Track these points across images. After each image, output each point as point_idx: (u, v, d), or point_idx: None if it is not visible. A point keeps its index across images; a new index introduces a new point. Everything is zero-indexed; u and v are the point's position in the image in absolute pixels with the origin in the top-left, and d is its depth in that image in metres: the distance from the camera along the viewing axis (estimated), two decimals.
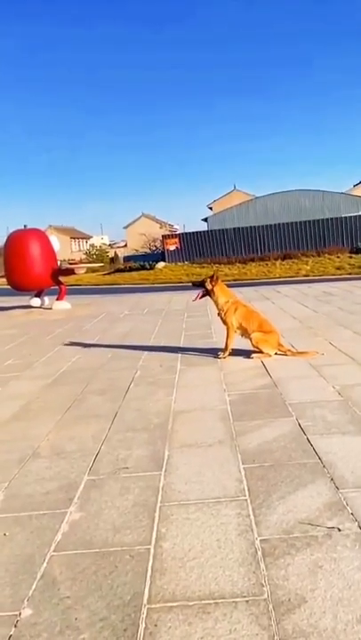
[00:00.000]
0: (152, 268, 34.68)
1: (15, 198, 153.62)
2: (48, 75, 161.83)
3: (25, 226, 12.13)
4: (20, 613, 1.76)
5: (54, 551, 2.11)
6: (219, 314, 5.48)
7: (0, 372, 5.53)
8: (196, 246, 36.42)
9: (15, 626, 1.71)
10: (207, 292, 5.48)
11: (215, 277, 5.50)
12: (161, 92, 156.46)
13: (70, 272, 12.74)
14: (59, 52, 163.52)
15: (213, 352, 5.56)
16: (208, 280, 5.49)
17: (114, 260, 46.43)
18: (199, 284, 5.57)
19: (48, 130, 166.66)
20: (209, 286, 5.44)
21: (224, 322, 5.40)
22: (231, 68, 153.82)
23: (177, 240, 37.82)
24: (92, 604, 1.79)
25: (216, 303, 5.46)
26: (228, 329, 5.37)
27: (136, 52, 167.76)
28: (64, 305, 11.78)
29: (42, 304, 12.30)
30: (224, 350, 5.35)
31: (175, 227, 73.17)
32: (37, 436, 3.47)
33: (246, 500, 2.40)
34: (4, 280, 13.03)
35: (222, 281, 5.57)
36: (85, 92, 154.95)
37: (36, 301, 12.33)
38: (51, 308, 11.79)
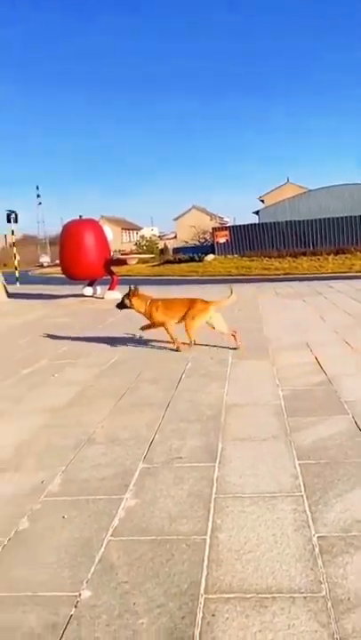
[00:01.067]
0: (201, 260, 34.68)
1: (68, 188, 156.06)
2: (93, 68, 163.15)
3: (80, 216, 12.31)
4: (79, 594, 1.80)
5: (111, 536, 2.15)
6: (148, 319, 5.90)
7: (56, 359, 5.65)
8: (247, 239, 36.17)
9: (75, 606, 1.75)
10: (128, 307, 5.94)
11: (130, 293, 5.92)
12: (216, 82, 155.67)
13: (122, 262, 12.88)
14: (106, 40, 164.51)
15: (265, 346, 5.52)
16: (125, 298, 5.96)
17: (163, 251, 46.64)
18: (122, 305, 6.04)
19: (100, 119, 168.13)
20: (128, 303, 5.92)
21: (154, 324, 5.82)
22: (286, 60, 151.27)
23: (227, 232, 37.67)
24: (149, 590, 1.81)
25: (140, 312, 5.91)
26: (163, 326, 5.76)
27: (205, 38, 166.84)
28: (115, 295, 11.89)
29: (94, 293, 12.47)
30: (189, 342, 5.68)
31: (225, 219, 72.86)
32: (92, 423, 3.53)
33: (302, 496, 2.38)
34: (59, 269, 13.27)
35: (157, 301, 5.90)
36: (131, 85, 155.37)
37: (88, 290, 12.51)
38: (102, 298, 11.94)
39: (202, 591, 1.79)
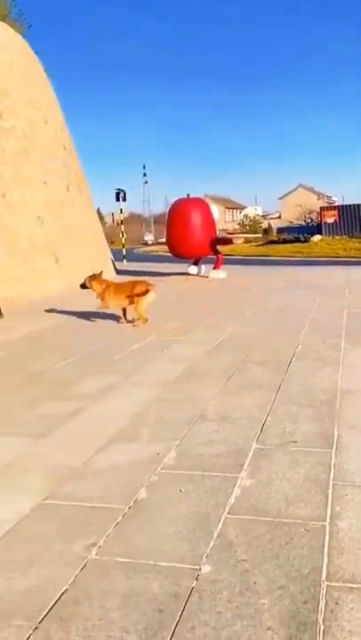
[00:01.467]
0: (306, 240, 33.80)
1: (173, 167, 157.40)
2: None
3: (188, 195, 12.37)
4: (199, 568, 1.83)
5: (228, 514, 2.16)
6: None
7: (164, 335, 5.74)
8: (358, 220, 34.81)
9: (196, 579, 1.77)
10: (88, 287, 6.87)
11: (92, 277, 6.90)
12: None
13: (228, 242, 12.84)
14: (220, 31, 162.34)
15: None
16: (87, 280, 6.92)
17: (267, 230, 45.95)
18: (83, 286, 6.99)
19: (208, 100, 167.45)
20: (89, 285, 6.87)
21: (106, 303, 6.74)
22: None
23: (336, 212, 36.47)
24: (269, 570, 1.80)
25: (96, 292, 6.81)
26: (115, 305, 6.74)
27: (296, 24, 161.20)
28: (220, 274, 11.91)
29: (198, 272, 12.54)
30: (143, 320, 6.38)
31: (333, 198, 70.45)
32: (203, 399, 3.56)
33: None
34: (163, 247, 13.46)
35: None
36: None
37: (193, 269, 12.60)
38: (207, 277, 11.98)
39: (323, 578, 1.75)
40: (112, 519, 2.15)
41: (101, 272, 7.14)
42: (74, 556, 1.92)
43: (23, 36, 12.01)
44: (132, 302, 6.52)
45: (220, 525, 2.08)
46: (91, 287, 6.87)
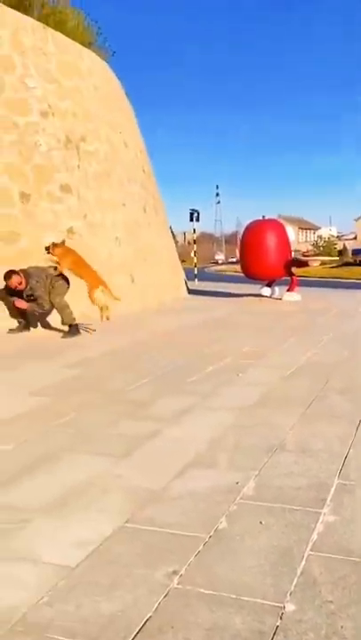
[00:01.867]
0: None
1: (246, 187, 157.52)
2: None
3: (263, 216, 12.36)
4: (284, 607, 1.79)
5: (311, 550, 2.11)
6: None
7: (239, 358, 5.72)
8: None
9: (280, 618, 1.74)
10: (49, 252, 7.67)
11: (57, 243, 7.76)
12: None
13: (304, 264, 12.70)
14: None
15: None
16: (51, 245, 7.69)
17: (342, 252, 45.11)
18: (47, 249, 7.71)
19: (283, 124, 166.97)
20: (51, 249, 7.66)
21: (61, 266, 7.66)
22: None
23: None
24: (356, 615, 1.74)
25: (54, 256, 7.68)
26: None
27: None
28: (294, 296, 11.78)
29: (272, 294, 12.45)
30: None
31: None
32: (281, 427, 3.51)
33: None
34: (233, 266, 13.47)
35: None
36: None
37: (266, 291, 12.52)
38: (281, 299, 11.87)
39: None
40: (193, 547, 2.15)
41: (64, 240, 8.00)
42: (156, 582, 1.93)
43: (107, 62, 12.46)
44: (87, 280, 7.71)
45: (304, 562, 2.04)
46: (52, 253, 7.64)
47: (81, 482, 2.77)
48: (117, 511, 2.46)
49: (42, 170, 9.29)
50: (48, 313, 8.05)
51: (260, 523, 2.33)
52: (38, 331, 8.03)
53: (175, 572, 1.99)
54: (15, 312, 7.76)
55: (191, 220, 21.85)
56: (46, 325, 8.29)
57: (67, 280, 7.77)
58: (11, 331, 7.78)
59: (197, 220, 21.82)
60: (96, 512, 2.46)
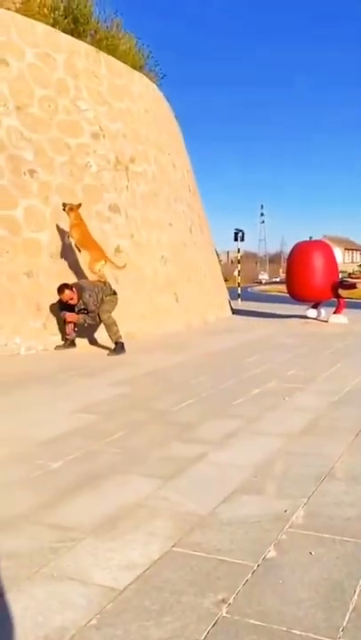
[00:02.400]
0: None
1: (291, 207, 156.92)
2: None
3: (310, 237, 12.29)
4: None
5: None
6: None
7: (285, 382, 5.66)
8: None
9: None
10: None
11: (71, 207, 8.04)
12: None
13: (352, 287, 12.51)
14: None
15: None
16: (67, 208, 8.02)
17: None
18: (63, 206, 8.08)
19: (328, 142, 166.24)
20: (68, 212, 8.00)
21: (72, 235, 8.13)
22: None
23: None
24: None
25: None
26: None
27: None
28: (341, 319, 11.61)
29: (318, 316, 12.30)
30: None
31: None
32: (330, 455, 3.45)
33: None
34: (277, 286, 13.39)
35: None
36: None
37: (312, 312, 12.39)
38: (327, 321, 11.72)
39: None
40: (241, 576, 2.13)
41: (80, 204, 8.17)
42: (205, 610, 1.91)
43: (157, 85, 12.70)
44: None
45: (356, 597, 1.99)
46: (67, 213, 7.98)
47: (128, 503, 2.78)
48: (165, 534, 2.45)
49: (92, 190, 9.49)
50: (97, 326, 8.20)
51: (310, 553, 2.29)
52: (84, 347, 8.15)
53: (224, 601, 1.97)
54: (67, 326, 7.91)
55: (236, 239, 21.87)
56: (92, 342, 8.41)
57: (115, 294, 7.91)
58: (57, 347, 7.91)
59: (242, 239, 21.85)
60: (144, 535, 2.46)
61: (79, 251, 8.21)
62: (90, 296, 7.55)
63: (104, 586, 2.06)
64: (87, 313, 7.64)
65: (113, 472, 3.21)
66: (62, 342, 8.00)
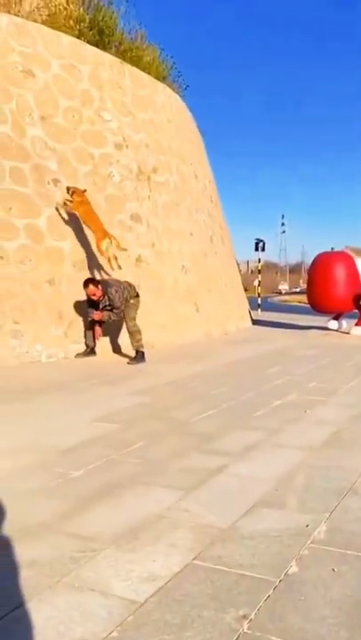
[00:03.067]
0: None
1: (312, 217, 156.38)
2: None
3: (332, 248, 12.22)
4: None
5: None
6: None
7: (306, 394, 5.62)
8: None
9: None
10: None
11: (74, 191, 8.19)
12: None
13: None
14: None
15: None
16: (70, 190, 8.20)
17: None
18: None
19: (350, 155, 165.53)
20: (70, 194, 8.23)
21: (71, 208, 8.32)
22: None
23: None
24: None
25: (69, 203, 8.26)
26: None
27: None
28: None
29: (339, 327, 12.22)
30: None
31: None
32: (352, 470, 3.41)
33: None
34: (297, 297, 13.32)
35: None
36: None
37: (333, 324, 12.30)
38: (348, 333, 11.63)
39: None
40: (263, 591, 2.11)
41: (85, 190, 8.36)
42: (226, 625, 1.90)
43: (180, 96, 12.77)
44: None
45: None
46: (71, 197, 8.14)
47: (149, 514, 2.77)
48: (186, 547, 2.44)
49: (114, 199, 9.56)
50: (117, 333, 8.28)
51: (333, 570, 2.26)
52: (104, 356, 8.18)
53: (245, 617, 1.95)
54: (92, 331, 8.00)
55: (256, 249, 21.84)
56: (113, 350, 8.44)
57: (138, 296, 8.00)
58: (78, 355, 7.96)
59: (263, 249, 21.80)
60: (165, 546, 2.45)
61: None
62: (116, 292, 7.61)
63: (125, 598, 2.06)
64: (112, 310, 7.69)
65: (133, 482, 3.21)
66: (83, 350, 8.04)
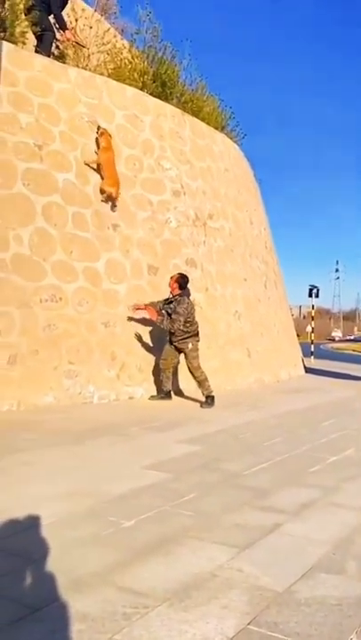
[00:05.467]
0: None
1: None
2: None
3: None
4: None
5: None
6: None
7: None
8: None
9: None
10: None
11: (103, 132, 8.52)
12: None
13: None
14: None
15: None
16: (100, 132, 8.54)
17: None
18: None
19: None
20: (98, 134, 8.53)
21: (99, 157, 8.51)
22: None
23: None
24: None
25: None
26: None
27: None
28: None
29: None
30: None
31: None
32: None
33: None
34: (351, 344, 13.03)
35: None
36: None
37: None
38: None
39: None
40: None
41: (111, 136, 8.69)
42: None
43: (238, 145, 13.02)
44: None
45: None
46: (99, 136, 8.48)
47: (202, 571, 2.71)
48: (240, 609, 2.37)
49: (170, 244, 9.72)
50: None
51: None
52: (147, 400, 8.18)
53: None
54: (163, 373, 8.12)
55: (310, 295, 21.64)
56: (175, 393, 8.46)
57: (198, 334, 8.04)
58: (152, 397, 8.05)
59: (317, 296, 21.60)
60: (218, 608, 2.38)
61: (99, 174, 8.56)
62: (187, 305, 7.78)
63: None
64: (170, 316, 7.79)
65: (186, 536, 3.15)
66: (158, 394, 8.22)
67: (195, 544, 3.06)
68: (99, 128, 8.63)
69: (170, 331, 7.80)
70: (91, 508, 3.56)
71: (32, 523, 3.25)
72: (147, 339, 8.64)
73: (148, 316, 8.07)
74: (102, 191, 8.51)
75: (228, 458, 5.01)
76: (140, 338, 8.57)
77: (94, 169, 8.52)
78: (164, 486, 4.09)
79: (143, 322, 8.50)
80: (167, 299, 8.03)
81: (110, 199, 8.60)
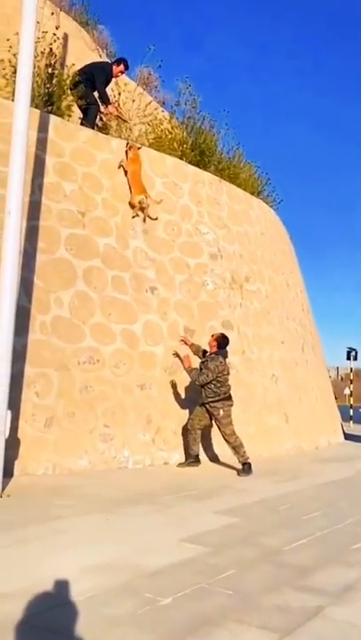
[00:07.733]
0: None
1: None
2: None
3: None
4: None
5: None
6: None
7: None
8: None
9: None
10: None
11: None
12: None
13: None
14: None
15: None
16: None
17: None
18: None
19: None
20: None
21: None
22: None
23: None
24: None
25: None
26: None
27: None
28: None
29: None
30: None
31: None
32: None
33: None
34: None
35: None
36: None
37: None
38: None
39: None
40: None
41: (140, 147, 9.14)
42: None
43: (274, 209, 13.23)
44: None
45: None
46: (129, 148, 8.93)
47: None
48: None
49: (207, 307, 9.77)
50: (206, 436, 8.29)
51: None
52: (201, 466, 8.02)
53: None
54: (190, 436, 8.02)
55: (348, 358, 21.37)
56: (210, 459, 8.30)
57: (231, 398, 7.92)
58: (180, 465, 7.89)
59: (355, 358, 21.28)
60: None
61: (128, 186, 8.91)
62: (220, 364, 7.69)
63: None
64: (201, 370, 7.75)
65: (225, 618, 3.02)
66: (186, 460, 8.03)
67: (234, 627, 2.92)
68: (127, 143, 9.13)
69: (199, 385, 7.73)
70: (127, 583, 3.46)
71: (68, 598, 3.16)
72: (183, 402, 8.58)
73: (183, 355, 8.15)
74: (132, 205, 8.85)
75: (267, 532, 4.83)
76: (176, 400, 8.52)
77: (125, 172, 8.99)
78: (201, 561, 3.95)
79: (180, 386, 8.47)
80: (205, 355, 8.03)
81: (142, 209, 8.92)
